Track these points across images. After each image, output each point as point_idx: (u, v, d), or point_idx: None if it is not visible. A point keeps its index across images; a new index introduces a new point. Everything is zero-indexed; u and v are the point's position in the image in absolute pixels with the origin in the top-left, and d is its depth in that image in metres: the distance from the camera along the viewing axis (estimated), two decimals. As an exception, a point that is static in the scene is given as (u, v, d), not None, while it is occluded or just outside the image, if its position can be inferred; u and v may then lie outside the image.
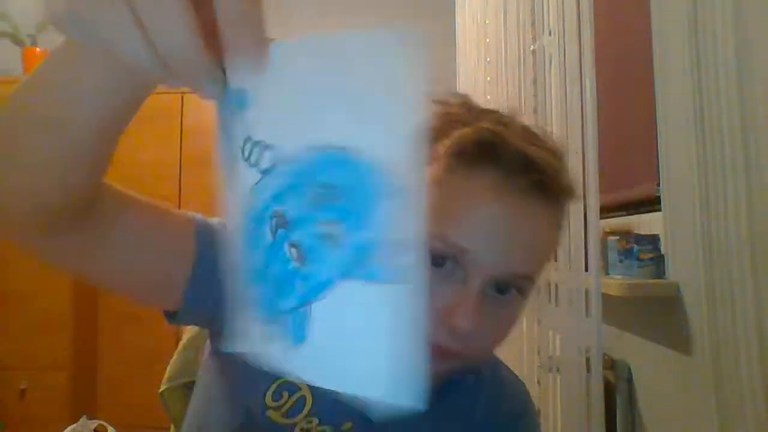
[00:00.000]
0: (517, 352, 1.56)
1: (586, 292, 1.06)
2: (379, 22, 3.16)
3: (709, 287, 0.91)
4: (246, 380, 0.56)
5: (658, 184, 1.16)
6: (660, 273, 1.12)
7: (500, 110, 0.56)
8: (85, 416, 2.35)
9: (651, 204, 1.27)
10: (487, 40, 1.99)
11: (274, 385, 0.55)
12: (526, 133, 0.53)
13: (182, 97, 3.33)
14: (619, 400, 1.27)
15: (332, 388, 0.27)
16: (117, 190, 0.45)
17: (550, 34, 1.31)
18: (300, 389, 0.56)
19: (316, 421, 0.55)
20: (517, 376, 0.73)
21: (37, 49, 3.47)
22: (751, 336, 0.80)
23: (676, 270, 1.08)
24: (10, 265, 3.14)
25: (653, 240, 1.14)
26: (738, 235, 0.83)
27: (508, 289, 0.51)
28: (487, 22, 2.00)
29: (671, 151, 1.10)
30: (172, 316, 0.53)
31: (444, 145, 0.52)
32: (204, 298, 0.51)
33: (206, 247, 0.50)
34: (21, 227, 0.40)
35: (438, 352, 0.49)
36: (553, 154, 0.52)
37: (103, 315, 3.29)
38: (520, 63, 1.58)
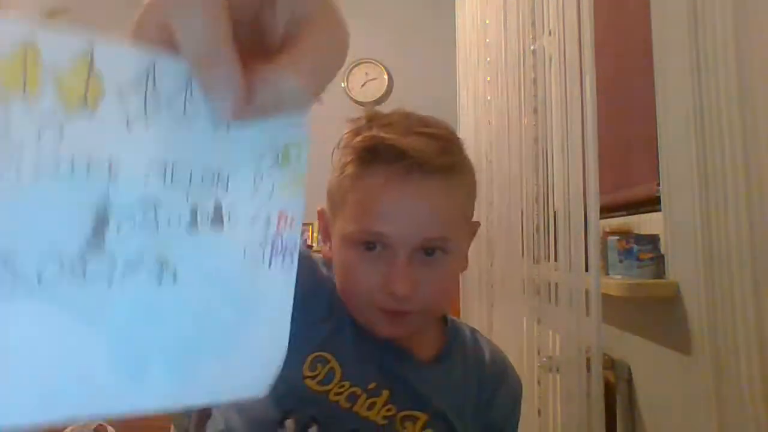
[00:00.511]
0: (517, 352, 1.56)
1: (586, 292, 1.06)
2: (379, 21, 3.16)
3: (709, 287, 0.91)
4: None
5: (658, 184, 1.17)
6: (660, 273, 1.12)
7: (397, 111, 0.69)
8: (85, 416, 2.35)
9: (651, 204, 1.27)
10: (487, 40, 1.99)
11: (309, 358, 0.65)
12: (407, 127, 0.65)
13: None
14: (619, 400, 1.27)
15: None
16: None
17: (550, 34, 1.31)
18: (329, 361, 0.66)
19: (347, 384, 0.65)
20: (496, 347, 0.80)
21: (37, 49, 3.47)
22: (751, 336, 0.80)
23: (676, 270, 1.08)
24: (10, 265, 3.14)
25: (653, 240, 1.14)
26: (738, 235, 0.83)
27: (433, 251, 0.64)
28: (487, 22, 2.01)
29: (671, 151, 1.10)
30: None
31: (346, 157, 0.67)
32: None
33: None
34: None
35: (394, 316, 0.64)
36: (430, 138, 0.64)
37: (103, 315, 3.29)
38: (520, 63, 1.58)
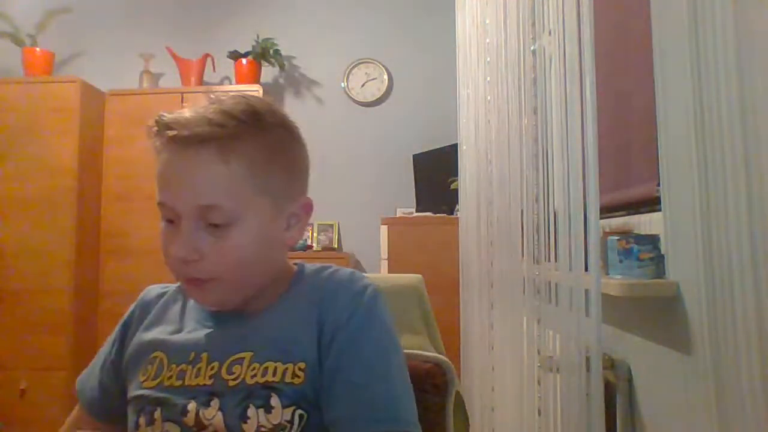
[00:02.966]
0: (517, 352, 1.56)
1: (586, 292, 1.06)
2: (379, 21, 3.17)
3: (709, 287, 0.91)
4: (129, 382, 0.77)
5: (658, 184, 1.17)
6: (660, 273, 1.12)
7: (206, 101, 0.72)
8: (85, 416, 2.35)
9: (651, 204, 1.27)
10: (487, 40, 1.99)
11: (140, 370, 0.74)
12: (202, 105, 0.70)
13: (182, 97, 3.33)
14: (619, 400, 1.27)
15: None
16: None
17: (550, 34, 1.31)
18: (156, 357, 0.73)
19: (174, 366, 0.72)
20: (355, 281, 0.76)
21: (37, 49, 3.47)
22: (751, 336, 0.80)
23: (676, 270, 1.08)
24: (10, 265, 3.14)
25: (653, 240, 1.14)
26: (738, 235, 0.83)
27: (216, 223, 0.68)
28: (487, 22, 2.00)
29: (671, 151, 1.10)
30: None
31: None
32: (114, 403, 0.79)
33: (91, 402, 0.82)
34: None
35: (193, 283, 0.70)
36: (205, 111, 0.69)
37: (103, 315, 3.29)
38: (520, 63, 1.58)
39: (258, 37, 3.57)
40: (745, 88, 0.82)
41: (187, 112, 0.69)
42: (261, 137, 0.71)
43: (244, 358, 0.69)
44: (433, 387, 0.91)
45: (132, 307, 0.85)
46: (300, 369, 0.68)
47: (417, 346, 0.97)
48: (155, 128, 0.70)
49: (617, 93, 1.49)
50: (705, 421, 0.93)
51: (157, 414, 0.69)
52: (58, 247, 3.14)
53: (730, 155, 0.84)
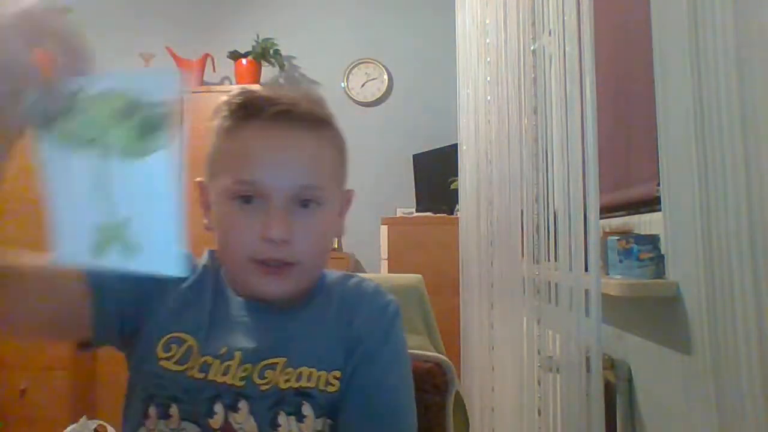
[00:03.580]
0: (517, 352, 1.56)
1: (586, 292, 1.06)
2: (379, 21, 3.15)
3: (709, 287, 0.91)
4: (142, 350, 0.68)
5: (658, 184, 1.17)
6: (660, 273, 1.12)
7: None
8: (85, 416, 2.35)
9: (651, 204, 1.27)
10: (487, 40, 1.99)
11: (162, 340, 0.67)
12: (280, 88, 0.77)
13: (182, 97, 3.33)
14: (619, 400, 1.27)
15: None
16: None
17: (550, 34, 1.31)
18: (185, 341, 0.67)
19: (201, 357, 0.66)
20: (379, 295, 0.76)
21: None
22: (751, 336, 0.80)
23: (676, 270, 1.08)
24: (10, 265, 3.14)
25: (653, 240, 1.14)
26: (738, 235, 0.83)
27: (308, 203, 0.66)
28: (487, 22, 2.00)
29: (671, 151, 1.10)
30: (85, 346, 0.67)
31: (221, 114, 0.69)
32: (112, 328, 0.67)
33: (104, 286, 0.64)
34: None
35: (274, 269, 0.65)
36: (303, 96, 0.68)
37: (103, 315, 3.29)
38: (520, 63, 1.58)
39: (258, 37, 3.57)
40: (745, 88, 0.82)
41: (285, 91, 0.68)
42: (340, 132, 0.72)
43: (277, 363, 0.66)
44: (433, 387, 0.92)
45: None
46: (335, 377, 0.66)
47: (417, 346, 0.97)
48: (245, 102, 0.67)
49: (617, 93, 1.49)
50: (705, 421, 0.93)
51: (174, 410, 0.63)
52: (58, 247, 3.14)
53: (730, 155, 0.84)
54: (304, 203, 0.66)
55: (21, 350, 3.09)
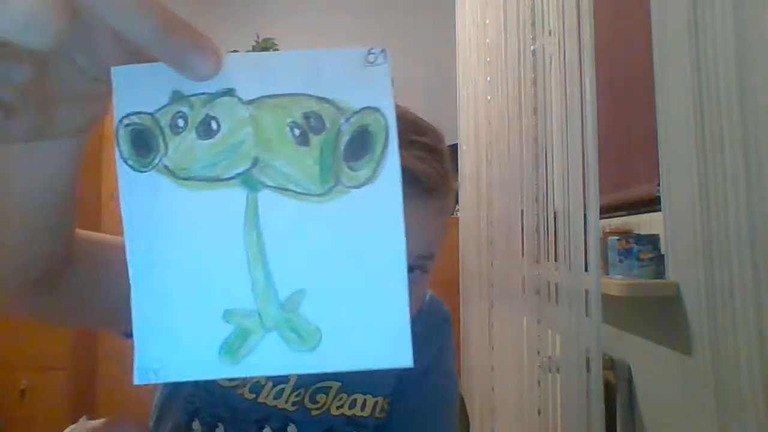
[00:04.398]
0: (517, 352, 1.56)
1: (586, 292, 1.06)
2: (379, 21, 3.15)
3: (709, 287, 0.91)
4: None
5: (658, 184, 1.16)
6: (660, 273, 1.12)
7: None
8: (85, 416, 2.35)
9: (651, 204, 1.27)
10: (487, 40, 1.99)
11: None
12: (404, 136, 0.59)
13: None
14: (619, 400, 1.27)
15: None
16: (87, 240, 0.47)
17: (550, 34, 1.31)
18: None
19: (261, 378, 0.61)
20: (436, 305, 0.74)
21: (37, 49, 3.47)
22: (751, 336, 0.80)
23: (676, 270, 1.08)
24: (10, 265, 3.14)
25: (653, 240, 1.14)
26: (738, 235, 0.83)
27: (413, 269, 0.61)
28: (487, 22, 2.00)
29: (671, 151, 1.10)
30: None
31: None
32: None
33: None
34: (9, 294, 0.42)
35: None
36: (430, 154, 0.59)
37: (103, 315, 3.29)
38: (520, 63, 1.58)
39: (258, 37, 3.57)
40: (746, 88, 0.82)
41: (412, 152, 0.58)
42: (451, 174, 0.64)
43: (331, 387, 0.63)
44: (433, 387, 0.91)
45: None
46: (387, 403, 0.64)
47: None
48: None
49: (617, 93, 1.49)
50: (705, 420, 0.93)
51: (220, 430, 0.62)
52: (58, 247, 3.14)
53: (730, 155, 0.84)
54: (410, 269, 0.62)
55: (21, 350, 3.09)
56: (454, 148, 2.68)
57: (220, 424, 0.62)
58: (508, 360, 1.67)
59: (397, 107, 0.28)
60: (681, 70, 1.00)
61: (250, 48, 3.53)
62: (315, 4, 3.81)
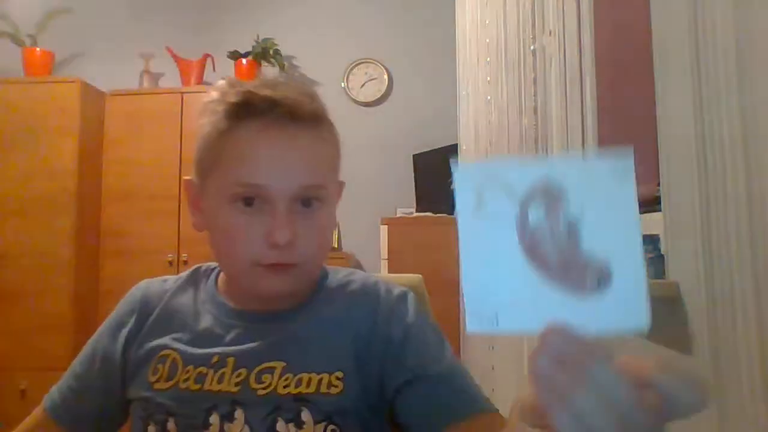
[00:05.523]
0: (517, 352, 1.56)
1: (586, 292, 1.06)
2: (379, 21, 3.13)
3: (709, 287, 0.91)
4: (135, 385, 0.71)
5: (658, 184, 1.16)
6: (660, 273, 1.12)
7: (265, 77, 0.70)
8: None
9: (651, 204, 1.26)
10: (487, 40, 1.99)
11: (150, 367, 0.68)
12: (273, 83, 0.67)
13: (182, 97, 3.34)
14: (619, 400, 1.27)
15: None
16: None
17: (550, 34, 1.31)
18: (169, 356, 0.68)
19: (191, 368, 0.66)
20: (393, 287, 0.75)
21: (37, 49, 3.47)
22: (751, 336, 0.80)
23: (676, 270, 1.08)
24: (10, 265, 3.14)
25: (653, 240, 1.14)
26: (738, 235, 0.83)
27: (311, 202, 0.65)
28: (487, 22, 2.00)
29: (671, 151, 1.10)
30: None
31: (216, 115, 0.66)
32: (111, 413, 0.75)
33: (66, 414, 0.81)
34: None
35: (278, 270, 0.64)
36: (300, 93, 0.66)
37: (103, 315, 3.29)
38: (520, 63, 1.58)
39: (258, 37, 3.57)
40: (745, 88, 0.82)
41: (282, 88, 0.65)
42: (332, 124, 0.71)
43: (275, 367, 0.65)
44: (433, 387, 0.91)
45: (127, 306, 0.78)
46: (338, 378, 0.64)
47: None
48: (244, 102, 0.64)
49: (617, 93, 1.49)
50: (705, 421, 0.93)
51: (171, 425, 0.63)
52: (58, 247, 3.14)
53: (730, 155, 0.84)
54: (307, 202, 0.65)
55: (21, 350, 3.09)
56: (454, 148, 2.68)
57: (170, 419, 0.64)
58: (508, 360, 1.67)
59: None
60: (681, 70, 1.00)
61: (250, 48, 3.53)
62: (315, 5, 3.81)
